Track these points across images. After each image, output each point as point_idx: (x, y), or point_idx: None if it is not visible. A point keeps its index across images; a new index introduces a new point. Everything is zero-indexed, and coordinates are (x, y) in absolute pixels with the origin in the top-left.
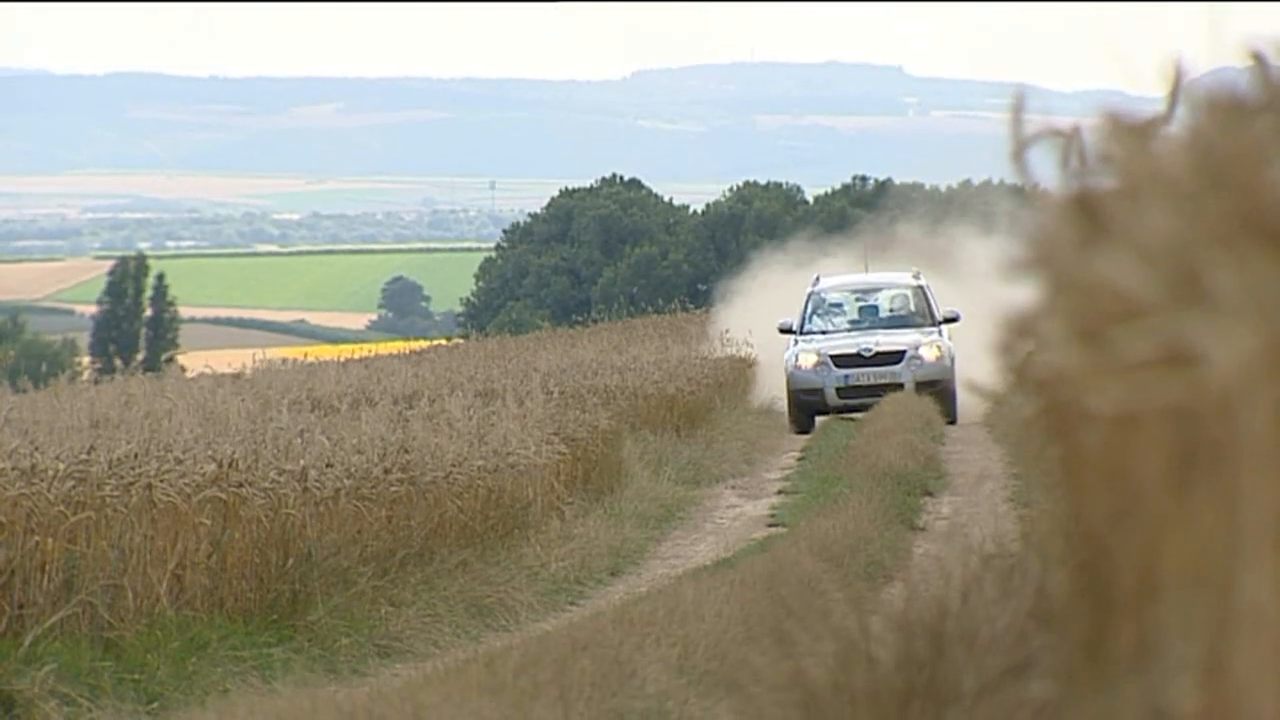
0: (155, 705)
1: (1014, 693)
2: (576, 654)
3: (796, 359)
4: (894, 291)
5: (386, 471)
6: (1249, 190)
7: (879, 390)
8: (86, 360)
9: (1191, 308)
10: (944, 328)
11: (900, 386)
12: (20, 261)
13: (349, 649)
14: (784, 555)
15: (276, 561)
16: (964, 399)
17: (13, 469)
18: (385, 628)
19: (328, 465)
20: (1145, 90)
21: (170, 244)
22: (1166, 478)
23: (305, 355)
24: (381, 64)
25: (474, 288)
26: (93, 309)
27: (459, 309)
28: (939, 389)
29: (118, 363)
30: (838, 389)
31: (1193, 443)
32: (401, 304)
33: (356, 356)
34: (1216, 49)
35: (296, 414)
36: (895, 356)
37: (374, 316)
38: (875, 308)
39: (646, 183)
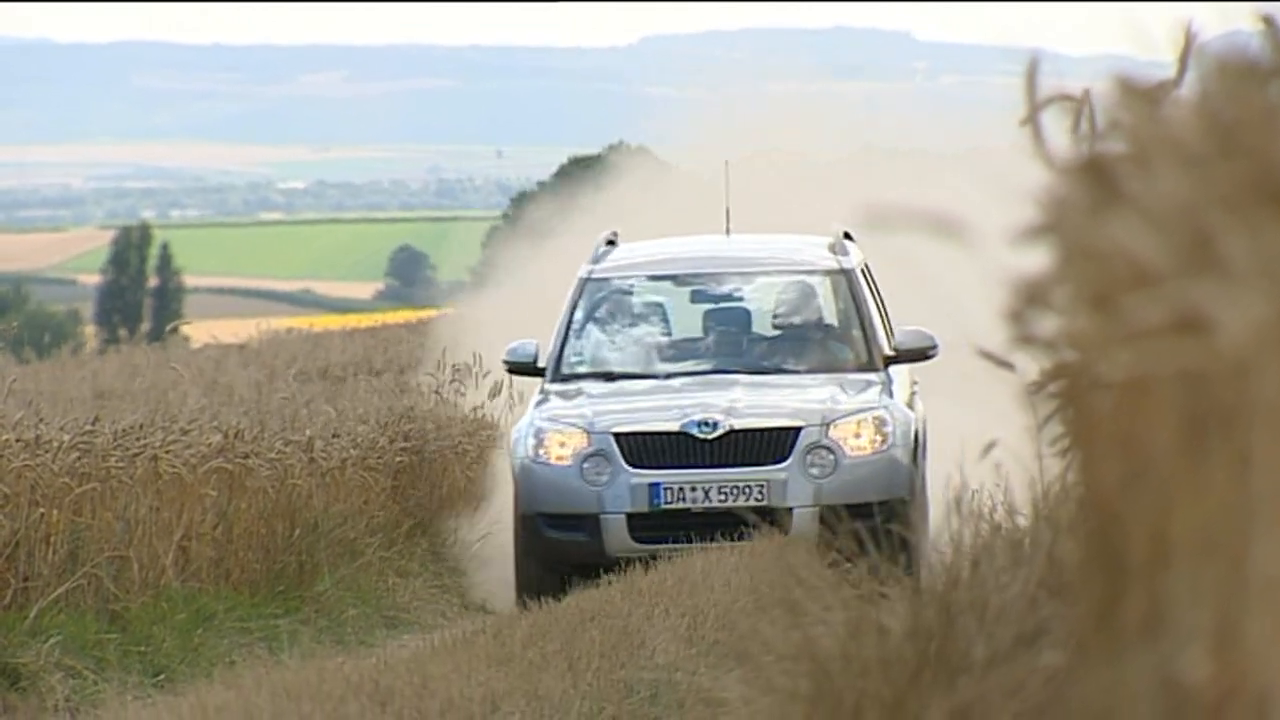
0: (161, 677)
1: (1025, 661)
2: (585, 624)
3: (537, 440)
4: (787, 282)
5: (391, 441)
6: (1260, 155)
7: (731, 523)
8: (90, 330)
9: (1202, 274)
10: (899, 373)
11: (782, 516)
12: (24, 231)
13: (356, 620)
14: None
15: (283, 532)
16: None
17: (17, 440)
18: (392, 599)
19: (334, 435)
20: (1156, 54)
21: (175, 213)
22: (1178, 445)
23: (311, 325)
24: (387, 31)
25: (481, 256)
26: (96, 279)
27: (466, 278)
28: (881, 521)
29: (122, 333)
30: (635, 518)
31: (1204, 409)
32: (408, 273)
33: (363, 326)
34: (1226, 13)
35: (303, 384)
36: (777, 441)
37: (381, 285)
38: (743, 317)
39: (654, 150)
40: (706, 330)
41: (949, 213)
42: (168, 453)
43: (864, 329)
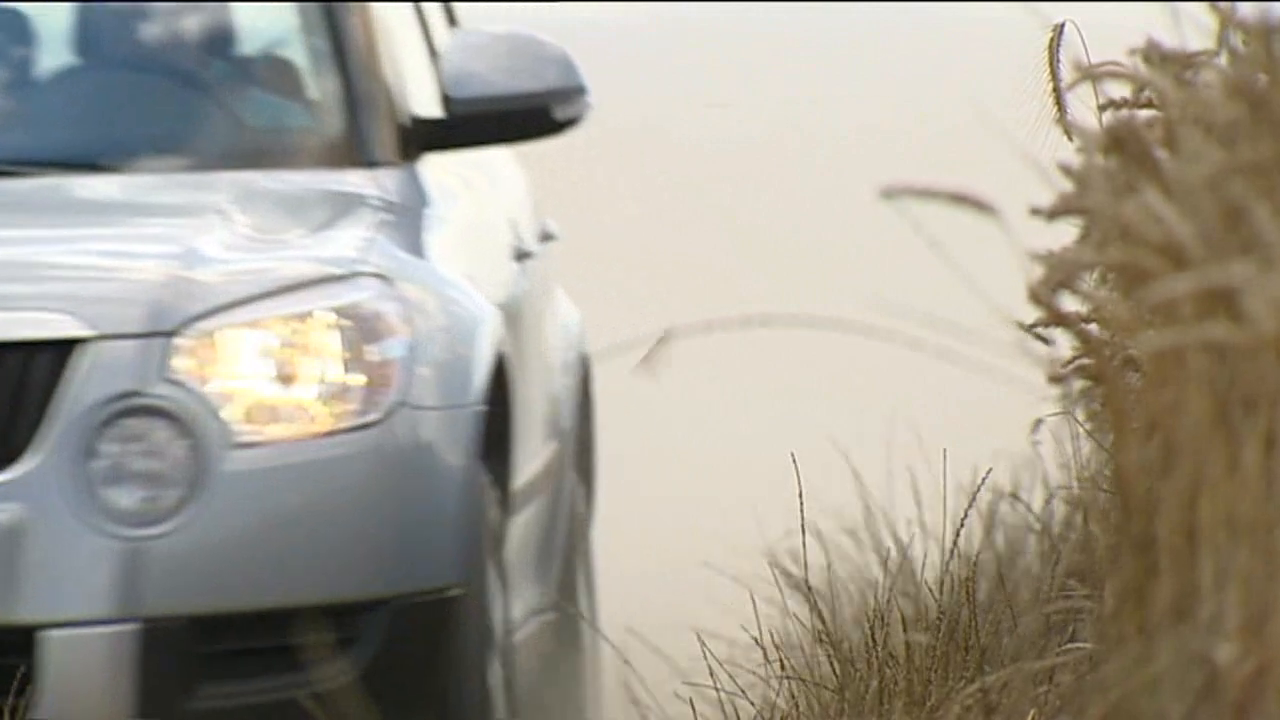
0: None
1: (1053, 647)
2: None
3: None
4: None
5: None
6: None
7: None
8: None
9: (1233, 250)
10: (459, 181)
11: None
12: None
13: None
14: None
15: None
16: None
17: None
18: None
19: None
20: (1186, 23)
21: None
22: (1208, 425)
23: None
24: None
25: None
26: None
27: None
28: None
29: None
30: None
31: (1235, 388)
32: None
33: None
34: None
35: None
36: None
37: None
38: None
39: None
40: None
41: (972, 187)
42: None
43: (337, 41)
